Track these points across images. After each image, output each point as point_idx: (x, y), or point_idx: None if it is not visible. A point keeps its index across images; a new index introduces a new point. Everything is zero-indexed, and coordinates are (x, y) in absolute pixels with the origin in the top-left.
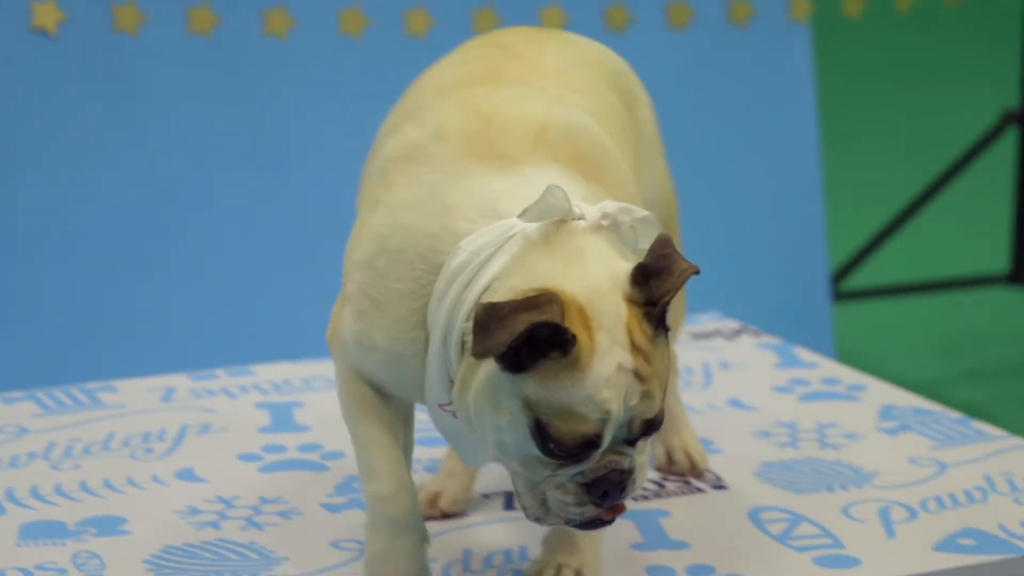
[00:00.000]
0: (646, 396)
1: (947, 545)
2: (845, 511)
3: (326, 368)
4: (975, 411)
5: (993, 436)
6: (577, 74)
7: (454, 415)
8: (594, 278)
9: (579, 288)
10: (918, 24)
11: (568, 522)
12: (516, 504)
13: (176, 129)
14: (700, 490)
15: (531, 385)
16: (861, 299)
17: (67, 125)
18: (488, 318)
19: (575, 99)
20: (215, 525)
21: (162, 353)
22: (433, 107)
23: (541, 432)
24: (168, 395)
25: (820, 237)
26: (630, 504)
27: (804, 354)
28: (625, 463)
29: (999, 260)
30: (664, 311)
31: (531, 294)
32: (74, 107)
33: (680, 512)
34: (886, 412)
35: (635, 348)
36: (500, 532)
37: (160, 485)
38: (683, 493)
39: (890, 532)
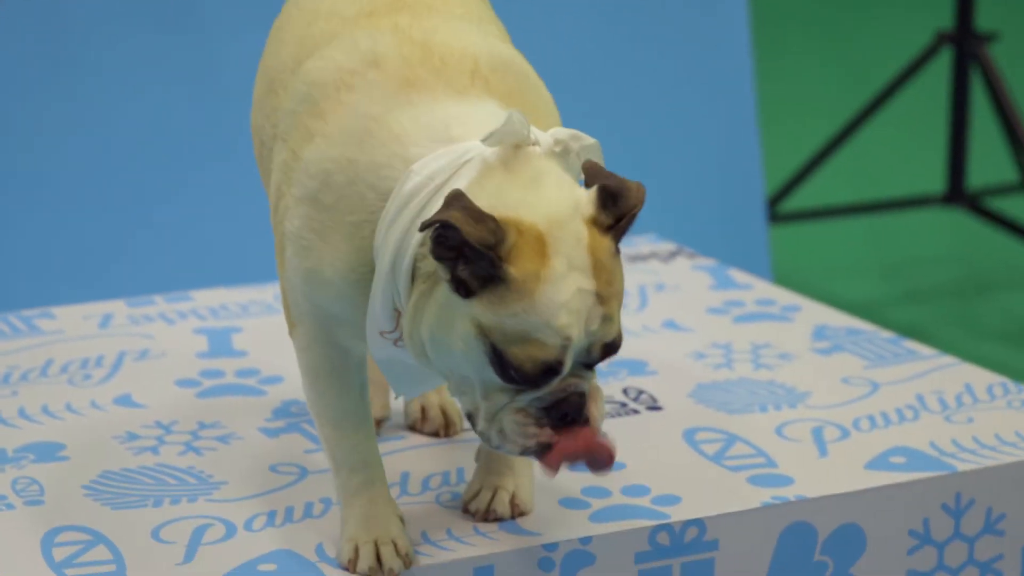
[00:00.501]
0: (606, 319)
1: (878, 463)
2: (778, 431)
3: (263, 293)
4: (914, 331)
5: (925, 355)
6: None
7: (395, 343)
8: (554, 203)
9: (539, 215)
10: None
11: (524, 450)
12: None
13: (111, 56)
14: (635, 411)
15: (480, 311)
16: (797, 221)
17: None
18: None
19: (485, 27)
20: (154, 450)
21: (100, 280)
22: (355, 34)
23: (500, 359)
24: (106, 321)
25: (756, 160)
26: None
27: (739, 276)
28: (583, 386)
29: (935, 181)
30: (626, 230)
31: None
32: (6, 41)
33: (615, 433)
34: (819, 332)
35: (597, 270)
36: (437, 455)
37: (98, 411)
38: (618, 414)
39: (823, 451)
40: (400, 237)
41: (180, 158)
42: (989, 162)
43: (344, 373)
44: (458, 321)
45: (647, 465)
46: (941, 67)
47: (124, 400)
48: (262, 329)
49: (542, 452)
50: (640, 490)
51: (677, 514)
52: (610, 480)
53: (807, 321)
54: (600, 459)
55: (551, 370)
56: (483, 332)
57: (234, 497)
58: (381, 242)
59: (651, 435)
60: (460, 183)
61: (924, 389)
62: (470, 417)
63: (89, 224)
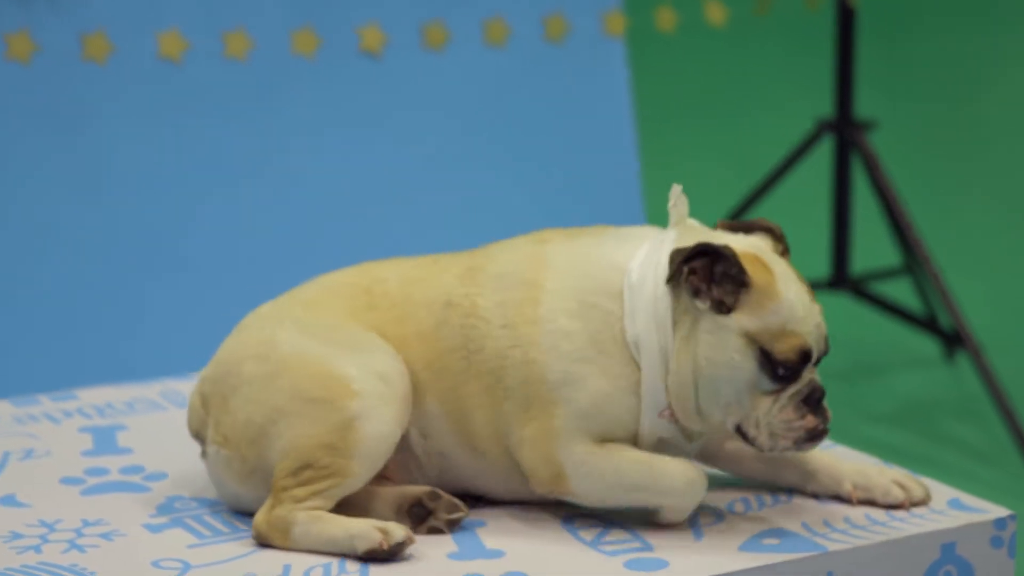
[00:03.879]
0: (819, 314)
1: (752, 545)
2: None
3: (149, 391)
4: None
5: None
6: None
7: (669, 418)
8: (743, 242)
9: (737, 245)
10: (731, 37)
11: (796, 441)
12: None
13: None
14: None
15: (745, 320)
16: None
17: None
18: (674, 256)
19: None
20: (36, 549)
21: None
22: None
23: (768, 358)
24: None
25: None
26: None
27: None
28: (818, 378)
29: (820, 266)
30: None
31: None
32: None
33: (495, 522)
34: None
35: (800, 279)
36: None
37: None
38: (498, 504)
39: (698, 534)
40: (653, 309)
41: (67, 257)
42: (872, 247)
43: (612, 438)
44: (728, 338)
45: (525, 551)
46: (822, 155)
47: (8, 500)
48: (147, 426)
49: (811, 437)
50: None
51: None
52: (490, 567)
53: None
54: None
55: (806, 356)
56: (751, 339)
57: None
58: (637, 330)
59: (531, 522)
60: (666, 248)
61: None
62: (740, 430)
63: None
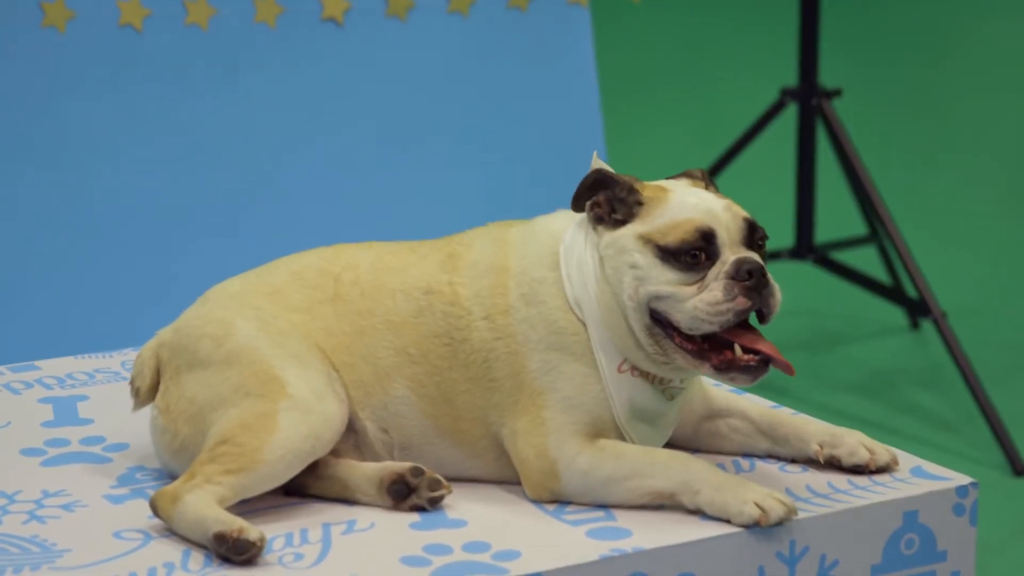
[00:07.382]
0: (731, 206)
1: None
2: None
3: (110, 361)
4: (767, 383)
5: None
6: None
7: (631, 372)
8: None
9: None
10: (696, 5)
11: (723, 324)
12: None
13: None
14: None
15: (637, 226)
16: None
17: None
18: (577, 191)
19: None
20: None
21: None
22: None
23: (666, 252)
24: None
25: None
26: None
27: None
28: (754, 257)
29: (784, 235)
30: None
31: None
32: None
33: (457, 492)
34: None
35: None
36: None
37: None
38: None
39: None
40: (581, 263)
41: (30, 229)
42: (836, 216)
43: (603, 435)
44: (625, 244)
45: (488, 521)
46: (787, 123)
47: None
48: (108, 396)
49: (739, 322)
50: (481, 546)
51: (517, 569)
52: (452, 537)
53: None
54: (778, 365)
55: (707, 235)
56: (645, 239)
57: (77, 564)
58: (575, 291)
59: (494, 493)
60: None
61: None
62: (674, 327)
63: None
